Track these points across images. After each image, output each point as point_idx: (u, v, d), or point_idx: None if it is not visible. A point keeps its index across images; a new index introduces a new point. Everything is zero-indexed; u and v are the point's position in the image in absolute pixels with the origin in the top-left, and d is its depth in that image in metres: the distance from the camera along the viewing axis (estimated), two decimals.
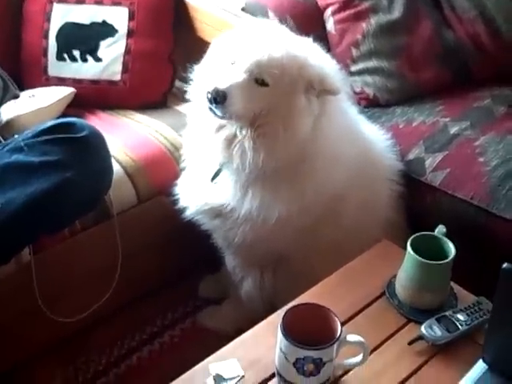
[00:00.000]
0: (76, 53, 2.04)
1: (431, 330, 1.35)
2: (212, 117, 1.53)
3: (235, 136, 1.54)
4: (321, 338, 1.22)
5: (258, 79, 1.48)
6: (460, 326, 1.35)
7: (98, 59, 2.03)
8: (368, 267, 1.54)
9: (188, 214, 1.73)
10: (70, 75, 2.04)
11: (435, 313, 1.40)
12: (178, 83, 2.09)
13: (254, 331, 1.39)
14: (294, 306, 1.26)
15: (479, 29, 2.09)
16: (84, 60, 2.03)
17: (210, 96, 1.46)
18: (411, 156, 1.87)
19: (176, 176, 1.83)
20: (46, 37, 2.04)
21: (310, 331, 1.23)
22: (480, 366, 1.27)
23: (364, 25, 2.07)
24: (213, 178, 1.66)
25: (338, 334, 1.21)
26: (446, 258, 1.40)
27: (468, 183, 1.79)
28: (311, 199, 1.62)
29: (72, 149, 1.48)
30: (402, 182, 1.83)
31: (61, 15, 2.05)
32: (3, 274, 1.60)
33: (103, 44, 2.03)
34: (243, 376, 1.27)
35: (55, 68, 2.05)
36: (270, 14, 2.10)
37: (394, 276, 1.49)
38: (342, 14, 2.09)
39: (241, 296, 1.86)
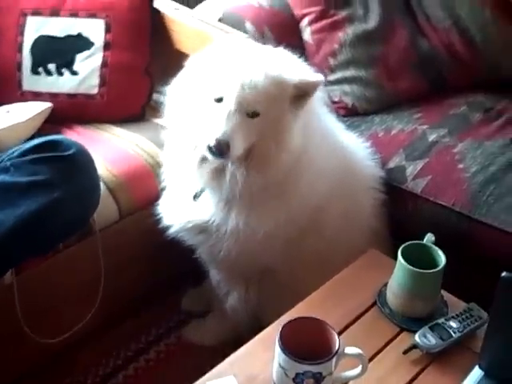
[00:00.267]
0: (51, 66, 2.00)
1: (425, 338, 1.35)
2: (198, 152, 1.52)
3: (224, 167, 1.53)
4: (318, 351, 1.22)
5: (249, 112, 1.47)
6: (453, 334, 1.36)
7: (74, 73, 2.00)
8: (357, 278, 1.54)
9: (171, 231, 1.71)
10: (46, 89, 2.00)
11: (427, 321, 1.41)
12: (155, 96, 2.07)
13: (248, 346, 1.37)
14: (291, 320, 1.25)
15: (453, 38, 2.12)
16: (60, 74, 2.00)
17: (214, 149, 1.44)
18: (392, 164, 1.88)
19: (157, 190, 1.81)
20: (20, 50, 1.99)
21: (307, 345, 1.22)
22: (476, 373, 1.28)
23: (341, 34, 2.08)
24: (195, 197, 1.64)
25: (337, 347, 1.20)
26: (436, 265, 1.41)
27: (449, 190, 1.81)
28: (296, 211, 1.62)
29: (60, 168, 1.45)
30: (384, 190, 1.83)
31: (35, 28, 2.01)
32: None
33: (79, 57, 2.00)
34: None
35: (30, 82, 2.01)
36: (248, 24, 2.10)
37: (384, 285, 1.49)
38: (319, 24, 2.10)
39: (225, 309, 1.85)
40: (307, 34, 2.12)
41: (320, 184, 1.65)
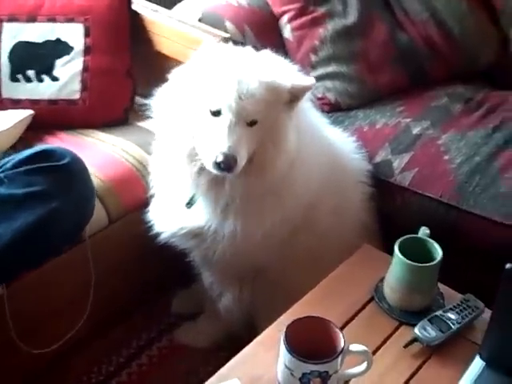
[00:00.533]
0: (31, 73, 1.97)
1: (425, 331, 1.36)
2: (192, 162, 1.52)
3: (223, 177, 1.52)
4: (322, 350, 1.22)
5: (249, 122, 1.46)
6: (452, 325, 1.38)
7: (54, 78, 1.97)
8: (353, 274, 1.55)
9: (163, 238, 1.70)
10: (26, 96, 1.97)
11: (425, 314, 1.42)
12: (138, 99, 2.06)
13: (250, 348, 1.37)
14: (294, 320, 1.25)
15: (431, 31, 2.14)
16: (40, 80, 1.97)
17: (223, 166, 1.43)
18: (378, 158, 1.89)
19: (145, 193, 1.80)
20: None
21: (311, 344, 1.23)
22: (477, 363, 1.29)
23: (321, 30, 2.08)
24: (188, 204, 1.63)
25: (342, 345, 1.21)
26: (432, 258, 1.42)
27: (436, 182, 1.82)
28: (291, 210, 1.63)
29: (55, 178, 1.43)
30: (372, 184, 1.84)
31: (12, 35, 1.98)
32: None
33: (59, 62, 1.98)
34: None
35: (9, 89, 1.97)
36: (228, 24, 2.09)
37: (381, 280, 1.50)
38: (299, 21, 2.10)
39: (218, 310, 1.84)
40: (287, 32, 2.12)
41: (312, 182, 1.65)
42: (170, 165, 1.62)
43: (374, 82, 2.09)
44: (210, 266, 1.76)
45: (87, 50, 1.99)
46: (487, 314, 1.41)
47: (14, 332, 1.63)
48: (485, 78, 2.23)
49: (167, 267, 1.97)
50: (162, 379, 1.86)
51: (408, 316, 1.43)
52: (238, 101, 1.44)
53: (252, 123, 1.47)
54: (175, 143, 1.55)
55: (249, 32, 2.09)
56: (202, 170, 1.52)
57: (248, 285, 1.78)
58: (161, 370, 1.90)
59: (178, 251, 1.77)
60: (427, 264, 1.39)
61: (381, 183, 1.86)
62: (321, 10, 2.10)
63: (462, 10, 2.15)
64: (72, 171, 1.47)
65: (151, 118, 1.66)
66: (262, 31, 2.11)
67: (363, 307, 1.47)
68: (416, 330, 1.36)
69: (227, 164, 1.42)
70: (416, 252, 1.42)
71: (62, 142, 1.91)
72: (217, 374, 1.31)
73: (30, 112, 1.92)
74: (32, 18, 2.00)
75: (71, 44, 1.99)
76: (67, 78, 1.97)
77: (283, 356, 1.22)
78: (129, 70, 2.04)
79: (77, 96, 1.97)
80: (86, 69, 1.98)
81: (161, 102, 1.59)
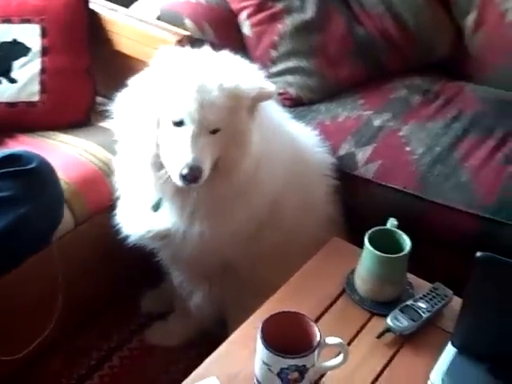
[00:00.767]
0: None
1: (397, 321, 1.39)
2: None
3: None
4: (298, 344, 1.23)
5: (211, 130, 1.46)
6: (423, 314, 1.40)
7: (12, 80, 1.94)
8: (323, 267, 1.56)
9: (132, 240, 1.69)
10: None
11: (396, 304, 1.44)
12: (99, 99, 2.04)
13: (225, 346, 1.38)
14: (269, 316, 1.25)
15: (387, 24, 2.17)
16: None
17: (188, 177, 1.42)
18: (342, 151, 1.91)
19: (110, 193, 1.79)
20: None
21: (287, 339, 1.23)
22: (449, 351, 1.32)
23: (280, 26, 2.10)
24: (154, 207, 1.62)
25: (318, 339, 1.22)
26: (400, 249, 1.45)
27: (399, 173, 1.85)
28: (257, 208, 1.64)
29: (23, 182, 1.40)
30: (336, 177, 1.86)
31: None
32: None
33: (16, 64, 1.94)
34: None
35: None
36: (187, 21, 2.09)
37: (351, 272, 1.52)
38: (258, 17, 2.11)
39: (189, 308, 1.84)
40: (246, 28, 2.13)
41: (277, 178, 1.66)
42: (135, 171, 1.61)
43: (333, 76, 2.11)
44: (178, 265, 1.76)
45: (45, 51, 1.96)
46: (456, 301, 1.45)
47: None
48: (440, 69, 2.27)
49: (135, 267, 1.96)
50: (134, 380, 1.86)
51: (379, 307, 1.46)
52: (199, 111, 1.43)
53: (215, 131, 1.47)
54: (138, 152, 1.53)
55: (208, 29, 2.09)
56: (167, 178, 1.51)
57: (217, 282, 1.78)
58: (132, 371, 1.89)
59: (146, 251, 1.76)
60: (397, 255, 1.41)
61: (345, 176, 1.87)
62: (279, 6, 2.12)
63: (417, 2, 2.19)
64: (40, 175, 1.45)
65: (111, 115, 1.65)
66: (221, 28, 2.11)
67: (335, 300, 1.49)
68: (388, 321, 1.39)
69: (193, 176, 1.42)
70: (385, 243, 1.44)
71: (23, 144, 1.88)
72: (194, 373, 1.31)
73: None
74: None
75: (28, 45, 1.96)
76: (26, 79, 1.94)
77: (260, 352, 1.23)
78: (88, 70, 2.02)
79: (36, 98, 1.95)
80: (44, 70, 1.95)
81: (121, 109, 1.58)
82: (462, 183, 1.79)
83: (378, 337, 1.39)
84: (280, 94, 2.06)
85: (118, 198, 1.74)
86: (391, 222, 1.50)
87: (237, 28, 2.14)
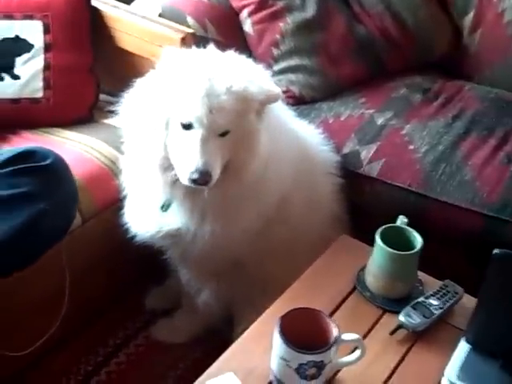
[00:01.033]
0: None
1: (410, 317, 1.40)
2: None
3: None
4: (314, 340, 1.25)
5: (221, 133, 1.46)
6: (435, 311, 1.42)
7: (15, 77, 1.93)
8: (333, 264, 1.58)
9: (141, 239, 1.70)
10: None
11: (407, 301, 1.46)
12: (101, 96, 2.03)
13: (242, 341, 1.39)
14: (287, 313, 1.27)
15: (387, 22, 2.19)
16: (0, 79, 1.92)
17: (199, 181, 1.43)
18: (346, 150, 1.93)
19: (117, 190, 1.78)
20: None
21: (304, 335, 1.25)
22: (463, 347, 1.34)
23: (281, 24, 2.10)
24: (163, 207, 1.63)
25: (336, 335, 1.24)
26: (410, 246, 1.47)
27: (403, 171, 1.87)
28: (266, 206, 1.65)
29: (40, 178, 1.40)
30: (341, 175, 1.87)
31: None
32: None
33: (19, 60, 1.93)
34: None
35: None
36: (189, 18, 2.08)
37: (361, 269, 1.53)
38: (259, 15, 2.12)
39: (196, 305, 1.85)
40: (248, 26, 2.13)
41: (285, 176, 1.67)
42: (143, 172, 1.61)
43: (335, 74, 2.12)
44: (187, 262, 1.76)
45: (48, 47, 1.95)
46: (466, 298, 1.47)
47: None
48: (439, 68, 2.29)
49: (140, 264, 1.96)
50: (142, 376, 1.86)
51: (390, 303, 1.47)
52: (208, 115, 1.43)
53: (224, 133, 1.47)
54: (147, 154, 1.53)
55: (210, 27, 2.09)
56: (176, 180, 1.51)
57: (225, 279, 1.79)
58: (139, 367, 1.89)
59: (152, 249, 1.77)
60: (409, 252, 1.43)
61: (349, 174, 1.89)
62: (280, 4, 2.12)
63: (415, 2, 2.21)
64: (56, 171, 1.45)
65: (117, 115, 1.65)
66: (223, 26, 2.11)
67: (346, 297, 1.50)
68: (401, 317, 1.40)
69: (203, 180, 1.43)
70: (395, 241, 1.46)
71: (27, 141, 1.87)
72: (210, 369, 1.32)
73: None
74: None
75: (31, 41, 1.95)
76: (29, 76, 1.93)
77: (278, 348, 1.24)
78: (91, 66, 2.01)
79: (40, 94, 1.94)
80: (47, 66, 1.94)
81: (129, 110, 1.58)
82: (466, 181, 1.81)
83: (391, 333, 1.40)
84: (283, 92, 2.06)
85: (125, 197, 1.73)
86: (401, 220, 1.51)
87: (238, 26, 2.14)
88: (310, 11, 2.13)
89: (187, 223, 1.60)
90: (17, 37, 1.95)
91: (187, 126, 1.45)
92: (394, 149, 1.91)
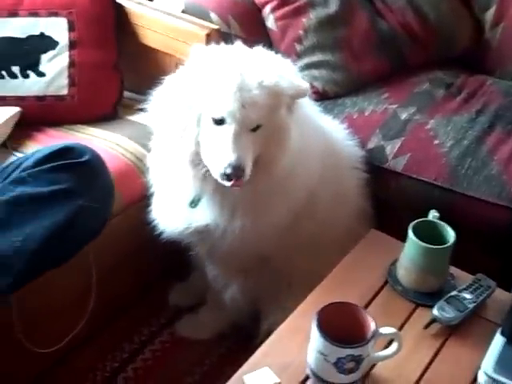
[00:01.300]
0: (15, 69, 1.92)
1: (444, 311, 1.40)
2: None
3: None
4: (352, 334, 1.25)
5: (253, 128, 1.47)
6: (468, 305, 1.42)
7: (40, 74, 1.93)
8: (364, 259, 1.58)
9: (169, 236, 1.70)
10: (11, 93, 1.92)
11: (439, 295, 1.46)
12: (126, 93, 2.03)
13: (277, 335, 1.39)
14: (324, 307, 1.27)
15: (409, 17, 2.19)
16: (25, 76, 1.93)
17: (232, 176, 1.42)
18: (371, 145, 1.93)
19: (143, 186, 1.78)
20: None
21: (341, 329, 1.25)
22: (498, 341, 1.34)
23: (304, 20, 2.10)
24: (192, 203, 1.63)
25: (374, 329, 1.24)
26: (443, 240, 1.47)
27: (429, 166, 1.87)
28: (296, 200, 1.65)
29: (79, 174, 1.41)
30: (366, 170, 1.87)
31: None
32: None
33: (44, 57, 1.94)
34: (280, 383, 1.27)
35: None
36: (212, 15, 2.09)
37: (393, 263, 1.53)
38: (282, 11, 2.12)
39: (222, 301, 1.85)
40: (271, 22, 2.13)
41: (312, 172, 1.68)
42: (172, 168, 1.61)
43: (358, 70, 2.12)
44: (214, 258, 1.76)
45: (72, 45, 1.96)
46: (498, 292, 1.47)
47: (21, 332, 1.59)
48: (461, 63, 2.29)
49: (164, 261, 1.96)
50: (168, 372, 1.87)
51: (423, 297, 1.47)
52: (241, 110, 1.43)
53: (256, 128, 1.47)
54: (177, 149, 1.53)
55: (234, 23, 2.09)
56: (206, 175, 1.52)
57: (252, 274, 1.79)
58: (165, 363, 1.90)
59: (177, 245, 1.77)
60: (442, 246, 1.43)
61: (374, 169, 1.89)
62: (302, 0, 2.12)
63: None
64: (93, 167, 1.46)
65: (142, 111, 1.65)
66: (246, 22, 2.12)
67: (378, 291, 1.50)
68: (435, 311, 1.40)
69: (236, 175, 1.43)
70: (427, 234, 1.46)
71: (52, 138, 1.88)
72: (246, 364, 1.32)
73: (17, 109, 1.88)
74: (13, 13, 1.95)
75: (56, 38, 1.95)
76: (54, 73, 1.94)
77: (316, 342, 1.24)
78: (116, 63, 2.02)
79: (65, 91, 1.94)
80: (72, 63, 1.95)
81: (159, 107, 1.58)
82: (492, 176, 1.81)
83: (426, 327, 1.40)
84: None
85: (152, 195, 1.74)
86: (433, 214, 1.51)
87: (261, 22, 2.15)
88: (333, 7, 2.13)
89: (216, 219, 1.60)
90: (42, 34, 1.95)
91: (219, 122, 1.45)
92: (419, 144, 1.91)
